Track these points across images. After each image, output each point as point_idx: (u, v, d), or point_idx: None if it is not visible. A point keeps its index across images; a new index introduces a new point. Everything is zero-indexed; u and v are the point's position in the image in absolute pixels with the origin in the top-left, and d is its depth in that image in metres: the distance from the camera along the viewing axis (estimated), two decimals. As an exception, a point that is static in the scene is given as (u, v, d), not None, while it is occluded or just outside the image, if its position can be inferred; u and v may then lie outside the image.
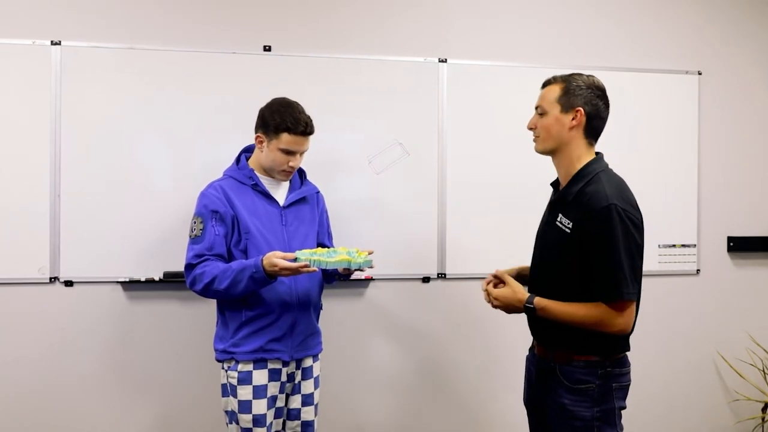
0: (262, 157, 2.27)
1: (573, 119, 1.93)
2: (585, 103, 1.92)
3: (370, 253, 2.18)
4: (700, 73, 3.26)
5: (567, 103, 1.93)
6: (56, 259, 2.67)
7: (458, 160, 3.00)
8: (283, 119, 2.19)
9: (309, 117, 2.24)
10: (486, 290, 2.04)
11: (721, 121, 3.29)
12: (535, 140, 2.03)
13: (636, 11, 3.22)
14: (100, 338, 2.74)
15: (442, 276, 3.00)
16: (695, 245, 3.25)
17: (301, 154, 2.27)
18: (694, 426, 3.29)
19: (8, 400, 2.68)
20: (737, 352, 3.30)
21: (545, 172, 3.01)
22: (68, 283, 2.69)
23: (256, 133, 2.27)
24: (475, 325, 3.05)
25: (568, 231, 1.90)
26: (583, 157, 1.95)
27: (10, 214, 2.65)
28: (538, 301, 1.92)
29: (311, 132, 2.24)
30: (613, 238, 1.81)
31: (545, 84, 2.02)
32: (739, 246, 3.30)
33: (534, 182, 3.04)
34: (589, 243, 1.84)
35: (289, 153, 2.22)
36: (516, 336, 3.02)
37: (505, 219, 3.03)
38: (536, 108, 2.02)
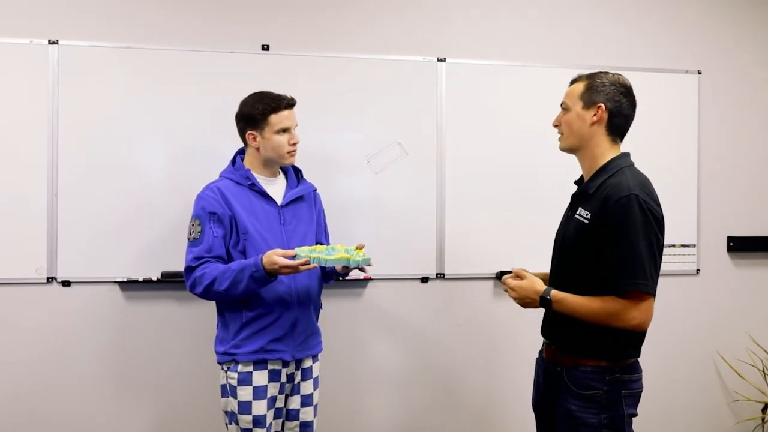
0: (262, 152, 2.26)
1: (594, 115, 1.92)
2: (607, 99, 1.92)
3: (361, 247, 2.18)
4: (699, 73, 3.26)
5: (589, 99, 1.93)
6: (53, 259, 2.66)
7: (457, 159, 2.99)
8: (264, 104, 2.23)
9: (283, 93, 2.28)
10: (504, 281, 1.99)
11: (721, 120, 3.29)
12: (559, 138, 2.02)
13: (635, 10, 3.22)
14: (98, 338, 2.72)
15: (440, 276, 2.99)
16: (695, 245, 3.24)
17: (294, 128, 2.28)
18: (694, 426, 3.28)
19: (6, 401, 2.67)
20: (737, 352, 3.29)
21: (545, 171, 3.03)
22: (65, 284, 2.68)
23: (244, 134, 2.27)
24: (474, 325, 3.04)
25: (587, 221, 1.88)
26: (607, 153, 1.94)
27: (7, 214, 2.64)
28: (555, 293, 1.88)
29: (294, 103, 2.28)
30: (632, 228, 1.78)
31: (572, 82, 2.02)
32: (739, 246, 3.30)
33: (534, 182, 3.05)
34: (607, 233, 1.82)
35: (285, 131, 2.24)
36: (516, 336, 3.02)
37: (505, 219, 3.02)
38: (561, 105, 2.01)
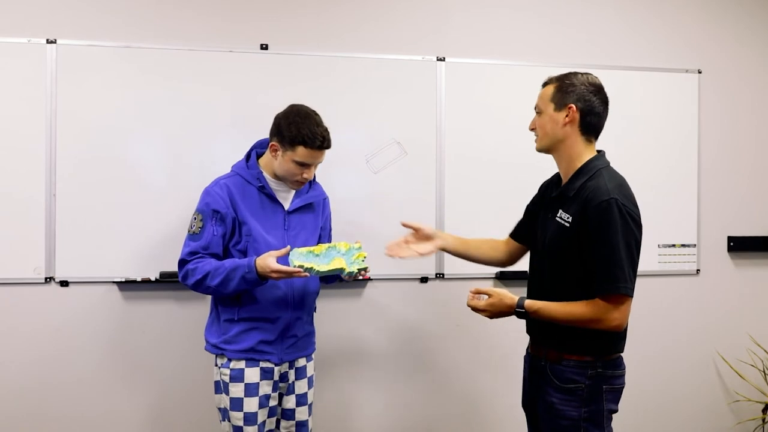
0: (275, 165, 2.22)
1: (566, 116, 1.94)
2: (577, 99, 1.94)
3: (359, 247, 2.18)
4: (700, 72, 3.25)
5: (560, 100, 1.95)
6: (51, 259, 2.65)
7: (457, 159, 2.98)
8: (300, 132, 2.12)
9: (326, 129, 2.18)
10: (470, 305, 1.99)
11: (721, 120, 3.28)
12: (535, 140, 2.06)
13: (636, 9, 3.21)
14: (96, 338, 2.72)
15: (440, 276, 2.98)
16: (695, 245, 3.23)
17: (316, 165, 2.23)
18: (694, 427, 3.27)
19: (3, 401, 2.66)
20: (737, 352, 3.29)
21: (545, 172, 3.01)
22: (64, 284, 2.68)
23: (270, 140, 2.21)
24: (473, 325, 3.02)
25: (568, 225, 1.90)
26: (583, 154, 1.96)
27: (6, 214, 2.63)
28: (530, 304, 1.92)
29: (328, 146, 2.18)
30: (612, 232, 1.81)
31: (543, 85, 2.04)
32: (739, 246, 3.29)
33: (535, 182, 3.01)
34: (588, 236, 1.85)
35: (303, 165, 2.17)
36: (515, 337, 3.01)
37: (504, 218, 2.99)
38: (535, 108, 2.04)
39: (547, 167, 2.99)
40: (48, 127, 2.65)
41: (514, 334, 2.99)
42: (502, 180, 3.02)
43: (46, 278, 2.66)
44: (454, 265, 2.97)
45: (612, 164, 2.00)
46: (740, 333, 3.29)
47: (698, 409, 3.28)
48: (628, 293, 1.84)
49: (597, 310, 1.84)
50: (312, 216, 2.34)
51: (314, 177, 2.40)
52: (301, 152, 2.15)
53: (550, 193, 2.06)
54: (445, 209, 2.96)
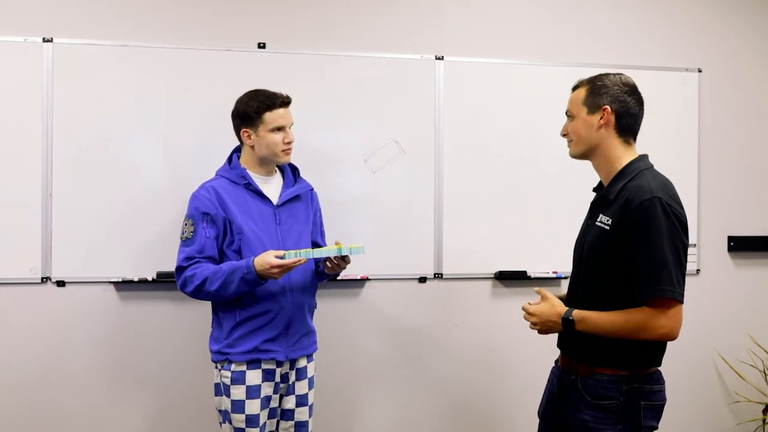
0: (257, 150, 2.25)
1: (600, 119, 1.85)
2: (612, 101, 1.84)
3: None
4: (700, 71, 3.23)
5: (593, 103, 1.86)
6: (48, 259, 2.64)
7: (455, 158, 2.97)
8: (259, 102, 2.22)
9: (278, 92, 2.27)
10: (523, 308, 1.90)
11: (721, 119, 3.26)
12: (568, 145, 1.96)
13: (635, 7, 3.19)
14: (93, 339, 2.71)
15: (438, 276, 2.97)
16: (695, 245, 3.22)
17: (290, 127, 2.27)
18: (694, 427, 3.26)
19: (1, 401, 2.65)
20: (737, 352, 3.27)
21: (545, 170, 3.01)
22: (60, 284, 2.67)
23: (239, 133, 2.27)
24: (471, 325, 3.02)
25: (608, 228, 1.80)
26: (622, 156, 1.87)
27: (2, 214, 2.62)
28: (577, 312, 1.80)
29: (289, 101, 2.27)
30: (656, 232, 1.70)
31: (573, 89, 1.95)
32: (739, 246, 3.27)
33: (533, 181, 3.03)
34: (630, 238, 1.73)
35: (279, 129, 2.23)
36: (514, 337, 3.01)
37: (503, 218, 3.00)
38: (566, 113, 1.95)
39: (546, 166, 3.00)
40: (44, 127, 2.64)
41: (512, 333, 2.99)
42: (501, 178, 3.01)
43: (42, 278, 2.65)
44: (452, 265, 2.97)
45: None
46: (740, 333, 3.27)
47: (698, 410, 3.27)
48: (675, 297, 1.70)
49: (642, 316, 1.73)
50: (302, 207, 2.35)
51: (299, 172, 2.41)
52: (269, 117, 2.21)
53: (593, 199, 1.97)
54: (443, 207, 2.95)
